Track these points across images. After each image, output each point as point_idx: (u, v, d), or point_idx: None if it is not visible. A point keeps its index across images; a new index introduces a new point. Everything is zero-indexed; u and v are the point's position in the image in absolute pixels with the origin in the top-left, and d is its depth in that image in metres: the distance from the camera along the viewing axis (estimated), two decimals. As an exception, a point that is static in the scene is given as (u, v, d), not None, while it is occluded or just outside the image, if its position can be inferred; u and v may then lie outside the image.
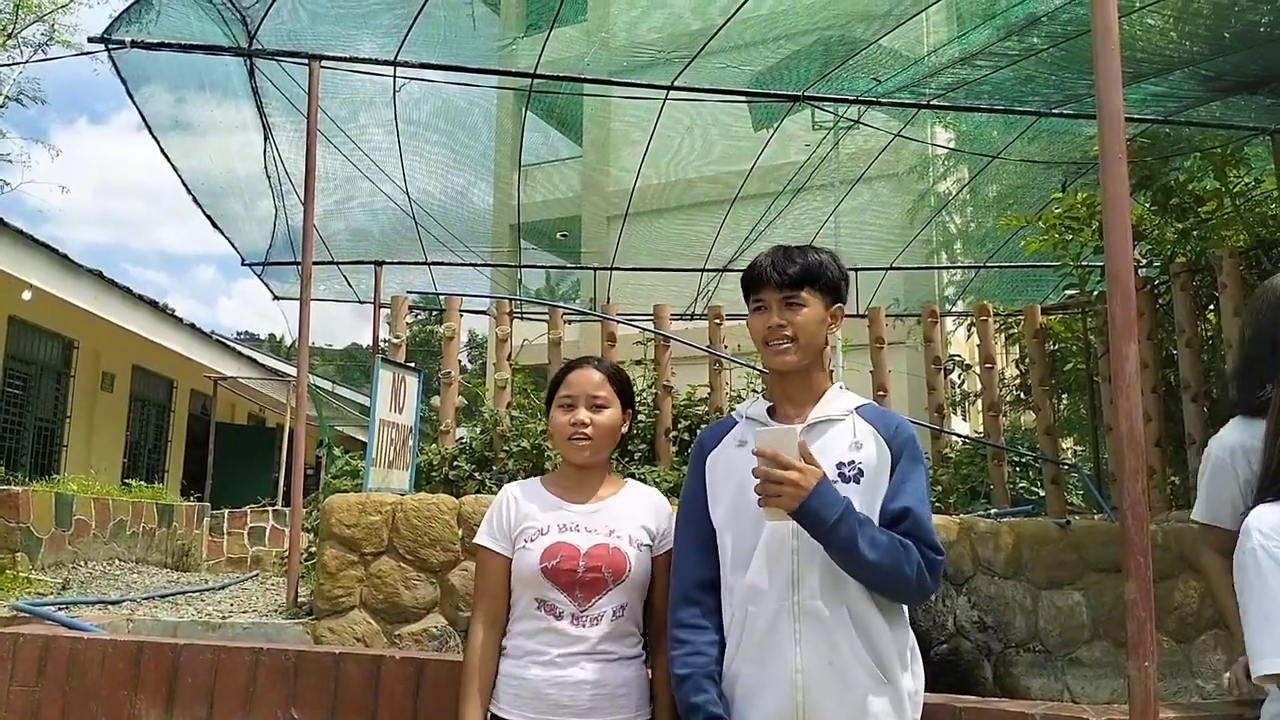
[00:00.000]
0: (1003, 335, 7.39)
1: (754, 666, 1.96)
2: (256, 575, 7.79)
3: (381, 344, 7.02)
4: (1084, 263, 6.52)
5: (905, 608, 2.01)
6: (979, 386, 6.34)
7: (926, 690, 2.04)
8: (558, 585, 2.22)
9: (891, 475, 1.99)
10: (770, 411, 2.15)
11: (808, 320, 2.07)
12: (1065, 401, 8.35)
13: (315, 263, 5.68)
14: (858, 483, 1.98)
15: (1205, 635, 4.38)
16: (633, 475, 5.12)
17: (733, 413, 2.29)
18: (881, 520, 1.95)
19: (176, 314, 14.49)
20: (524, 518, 2.31)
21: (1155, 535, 3.92)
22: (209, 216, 8.04)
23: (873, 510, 1.96)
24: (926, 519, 1.96)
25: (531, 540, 2.26)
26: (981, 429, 6.93)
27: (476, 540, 2.36)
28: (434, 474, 5.22)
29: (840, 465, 1.99)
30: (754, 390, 5.75)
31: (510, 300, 6.20)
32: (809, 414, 2.08)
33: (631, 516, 2.33)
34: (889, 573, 1.89)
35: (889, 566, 1.88)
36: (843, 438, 2.03)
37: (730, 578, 2.05)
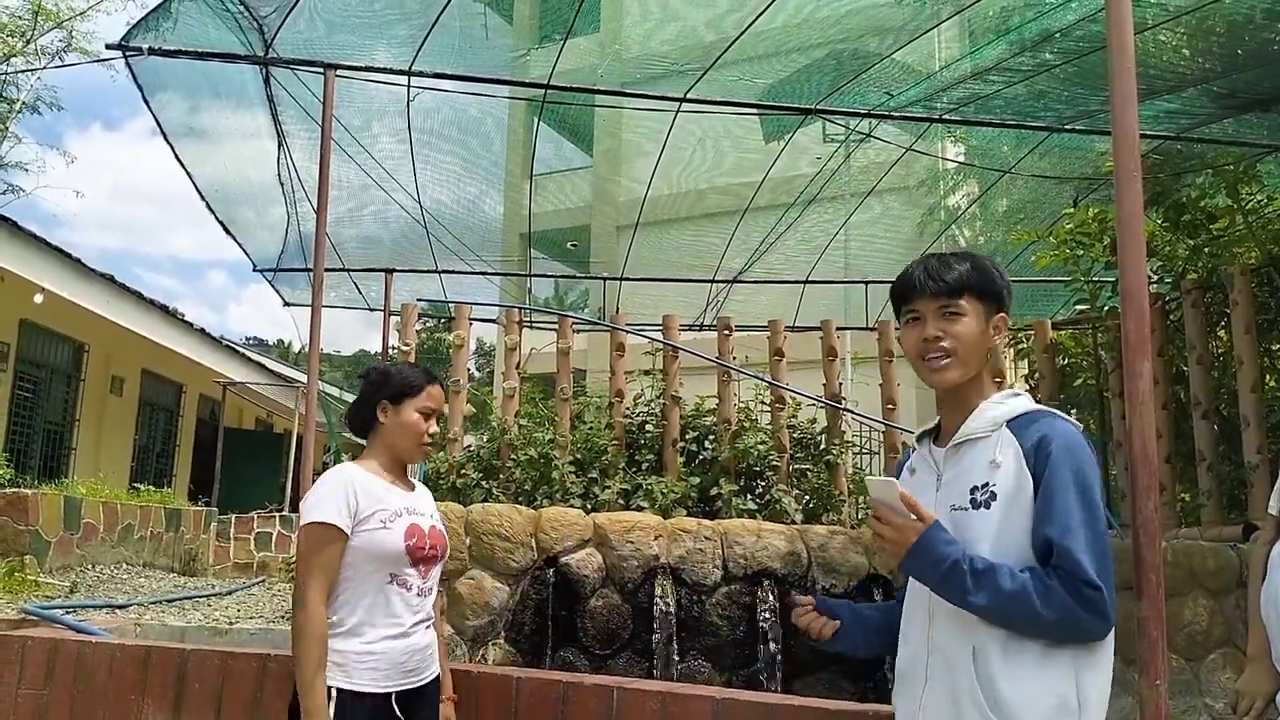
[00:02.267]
0: (1012, 350, 7.37)
1: (903, 690, 1.91)
2: (263, 581, 7.81)
3: (391, 351, 7.05)
4: (1095, 278, 6.51)
5: (1097, 646, 1.73)
6: (988, 401, 6.31)
7: None
8: (413, 562, 2.50)
9: (1036, 497, 1.76)
10: (937, 428, 2.01)
11: (967, 331, 1.87)
12: (1074, 417, 8.32)
13: (326, 270, 5.69)
14: (989, 508, 1.78)
15: (1215, 654, 4.35)
16: (640, 486, 5.11)
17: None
18: (1035, 553, 1.75)
19: (186, 319, 14.56)
20: (375, 501, 2.49)
21: (1165, 552, 3.90)
22: (221, 222, 8.07)
23: (1013, 536, 1.76)
24: (1076, 548, 1.68)
25: (390, 522, 2.48)
26: (990, 444, 6.88)
27: (322, 519, 2.41)
28: (441, 482, 5.23)
29: (974, 489, 1.81)
30: (763, 402, 5.73)
31: (520, 309, 6.20)
32: (956, 434, 1.90)
33: (432, 503, 2.72)
34: (1019, 618, 1.70)
35: (1018, 612, 1.69)
36: (984, 457, 1.83)
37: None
